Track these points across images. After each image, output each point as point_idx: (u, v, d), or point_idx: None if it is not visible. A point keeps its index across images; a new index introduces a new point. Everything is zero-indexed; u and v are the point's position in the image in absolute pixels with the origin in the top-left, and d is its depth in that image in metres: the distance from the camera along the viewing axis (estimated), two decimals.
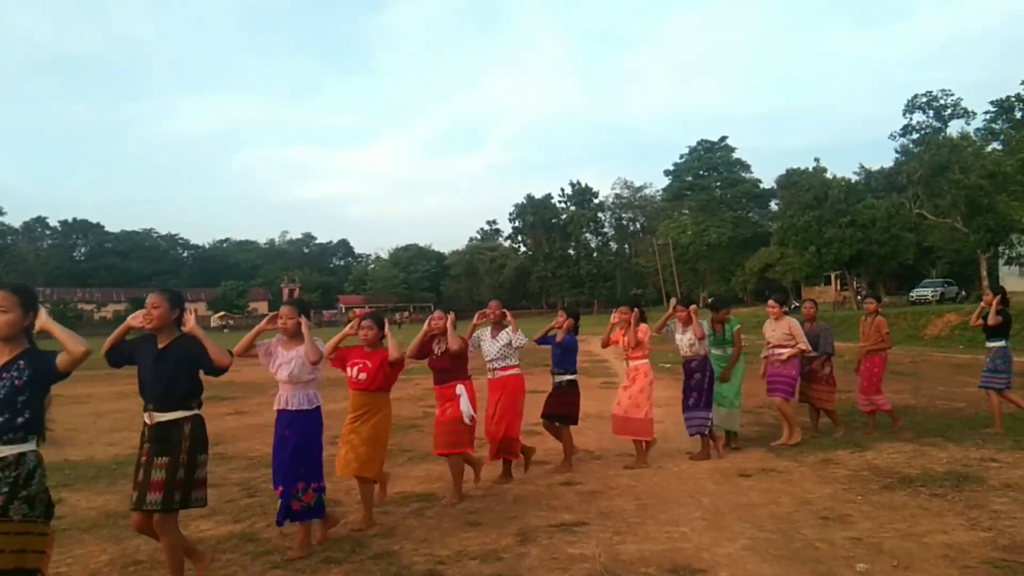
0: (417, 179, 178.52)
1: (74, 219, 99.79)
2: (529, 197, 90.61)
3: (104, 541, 5.06)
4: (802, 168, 46.79)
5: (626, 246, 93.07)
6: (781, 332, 7.95)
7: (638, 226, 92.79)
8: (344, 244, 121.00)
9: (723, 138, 76.89)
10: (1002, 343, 8.06)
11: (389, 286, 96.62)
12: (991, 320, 8.00)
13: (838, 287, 51.84)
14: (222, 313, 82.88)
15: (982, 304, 8.43)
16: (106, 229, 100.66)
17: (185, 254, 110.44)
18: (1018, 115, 26.93)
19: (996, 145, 42.38)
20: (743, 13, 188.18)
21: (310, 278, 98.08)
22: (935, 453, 6.89)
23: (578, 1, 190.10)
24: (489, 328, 6.62)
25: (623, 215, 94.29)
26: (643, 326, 7.14)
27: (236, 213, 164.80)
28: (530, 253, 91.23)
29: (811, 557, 4.26)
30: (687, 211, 76.42)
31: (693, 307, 7.35)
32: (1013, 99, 26.17)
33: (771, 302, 8.24)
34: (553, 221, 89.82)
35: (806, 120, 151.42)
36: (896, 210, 36.51)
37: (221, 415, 11.08)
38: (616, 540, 4.71)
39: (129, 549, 4.83)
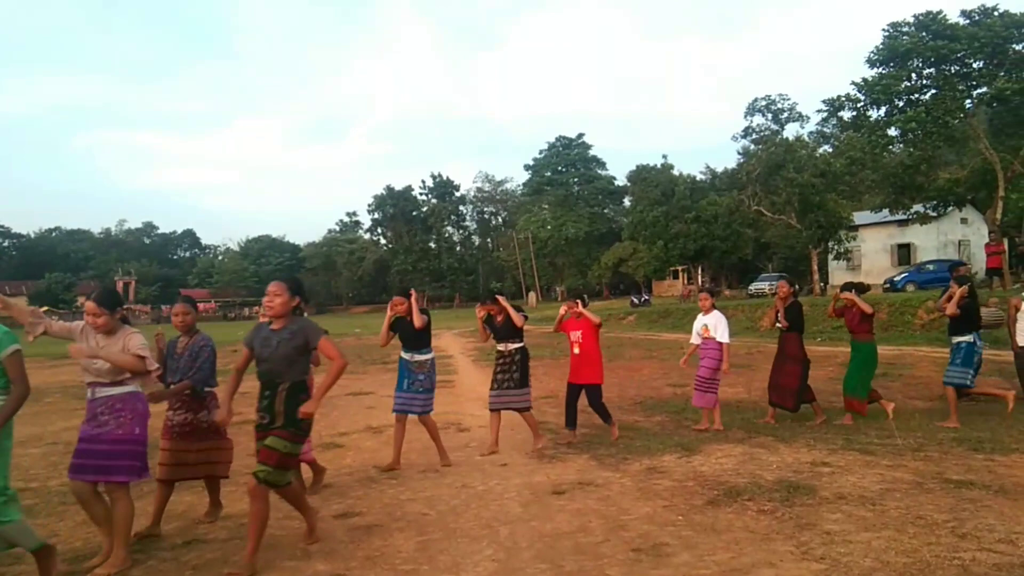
0: (275, 169, 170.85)
1: None
2: (389, 188, 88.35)
3: None
4: (652, 165, 48.00)
5: (488, 240, 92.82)
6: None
7: (500, 220, 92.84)
8: (190, 234, 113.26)
9: (580, 135, 78.31)
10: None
11: (238, 279, 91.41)
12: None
13: (685, 281, 53.85)
14: (45, 308, 74.72)
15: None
16: None
17: (6, 243, 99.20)
18: (846, 116, 28.51)
19: (827, 147, 45.28)
20: (601, 19, 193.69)
21: (148, 270, 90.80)
22: (765, 457, 6.28)
23: None
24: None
25: (485, 209, 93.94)
26: None
27: (71, 201, 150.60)
28: (390, 246, 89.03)
29: None
30: (546, 206, 77.18)
31: None
32: (843, 98, 27.55)
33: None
34: (414, 214, 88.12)
35: (658, 123, 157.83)
36: (736, 207, 37.99)
37: None
38: None
39: None
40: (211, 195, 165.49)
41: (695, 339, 8.10)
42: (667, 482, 5.62)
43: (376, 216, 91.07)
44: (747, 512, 4.76)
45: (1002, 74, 23.86)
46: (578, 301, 7.43)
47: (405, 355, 6.65)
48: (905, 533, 4.15)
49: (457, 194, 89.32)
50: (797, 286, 8.86)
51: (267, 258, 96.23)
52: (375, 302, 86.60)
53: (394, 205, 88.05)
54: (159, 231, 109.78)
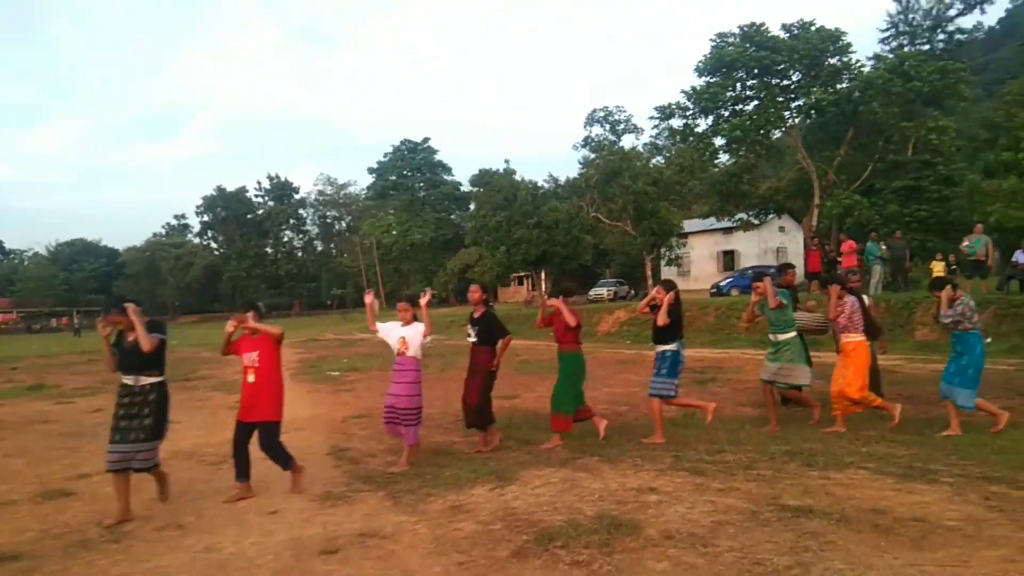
0: (95, 168, 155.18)
1: None
2: (220, 189, 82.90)
3: None
4: (495, 170, 47.82)
5: (331, 245, 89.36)
6: None
7: (343, 225, 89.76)
8: None
9: (426, 139, 77.18)
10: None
11: (45, 287, 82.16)
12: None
13: (529, 287, 54.17)
14: None
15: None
16: None
17: None
18: (677, 124, 29.56)
19: (659, 159, 47.26)
20: (449, 24, 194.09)
21: None
22: (588, 483, 5.43)
23: None
24: None
25: (327, 213, 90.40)
26: None
27: None
28: (222, 251, 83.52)
29: None
30: (392, 211, 75.39)
31: None
32: (674, 106, 28.46)
33: None
34: (249, 217, 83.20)
35: (504, 132, 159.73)
36: (576, 213, 38.55)
37: None
38: None
39: None
40: (18, 195, 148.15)
41: (393, 343, 6.68)
42: (471, 526, 4.60)
43: (206, 219, 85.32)
44: (559, 566, 3.82)
45: (816, 87, 25.42)
46: (251, 312, 5.79)
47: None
48: None
49: (297, 196, 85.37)
50: (489, 295, 7.80)
51: (80, 264, 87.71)
52: (205, 311, 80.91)
53: (226, 207, 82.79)
54: None
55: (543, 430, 7.77)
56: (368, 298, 6.73)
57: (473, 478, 5.75)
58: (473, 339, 7.14)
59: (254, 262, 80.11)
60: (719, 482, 5.25)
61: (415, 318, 6.66)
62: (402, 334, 6.60)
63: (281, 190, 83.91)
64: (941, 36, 31.52)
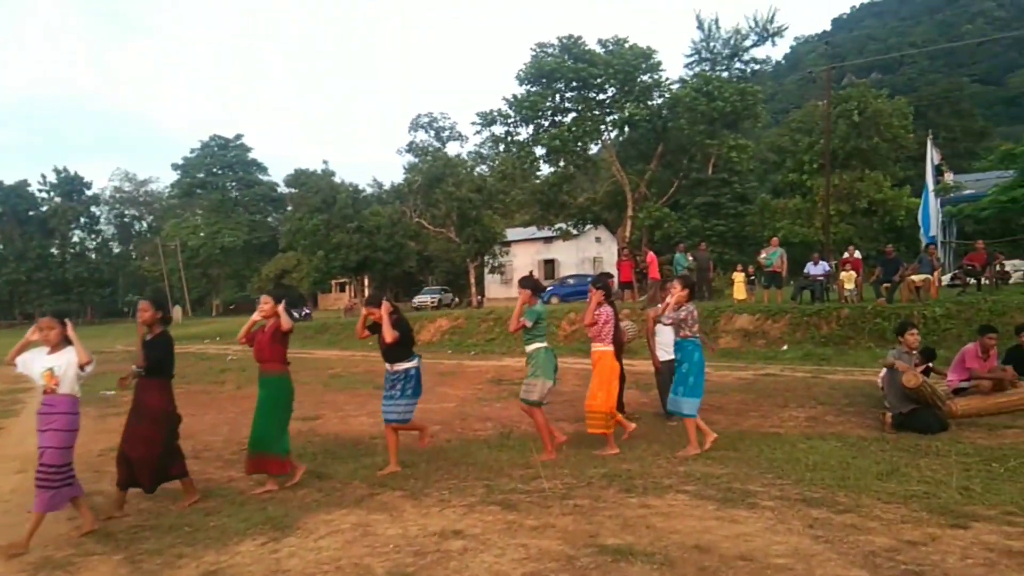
0: None
1: None
2: None
3: None
4: (312, 170, 45.65)
5: (130, 247, 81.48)
6: None
7: (144, 225, 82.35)
8: None
9: (239, 136, 72.73)
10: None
11: None
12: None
13: (351, 293, 52.27)
14: None
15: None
16: None
17: None
18: (499, 131, 29.60)
19: (484, 167, 47.48)
20: (261, 15, 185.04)
21: None
22: (383, 529, 4.61)
23: None
24: None
25: (126, 212, 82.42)
26: None
27: None
28: None
29: None
30: (200, 211, 70.02)
31: None
32: (495, 113, 28.47)
33: None
34: (31, 214, 73.70)
35: (326, 133, 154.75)
36: (399, 218, 37.60)
37: None
38: None
39: None
40: None
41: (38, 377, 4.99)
42: None
43: None
44: None
45: (630, 103, 26.42)
46: None
47: None
48: None
49: (89, 193, 76.80)
50: (166, 308, 5.87)
51: None
52: None
53: (3, 202, 72.80)
54: None
55: (342, 459, 6.88)
56: (34, 335, 4.99)
57: (243, 529, 4.74)
58: (138, 369, 5.56)
59: (36, 264, 71.06)
60: (533, 518, 4.64)
61: (65, 339, 4.98)
62: (48, 365, 4.92)
63: (70, 185, 75.13)
64: (738, 64, 34.17)
